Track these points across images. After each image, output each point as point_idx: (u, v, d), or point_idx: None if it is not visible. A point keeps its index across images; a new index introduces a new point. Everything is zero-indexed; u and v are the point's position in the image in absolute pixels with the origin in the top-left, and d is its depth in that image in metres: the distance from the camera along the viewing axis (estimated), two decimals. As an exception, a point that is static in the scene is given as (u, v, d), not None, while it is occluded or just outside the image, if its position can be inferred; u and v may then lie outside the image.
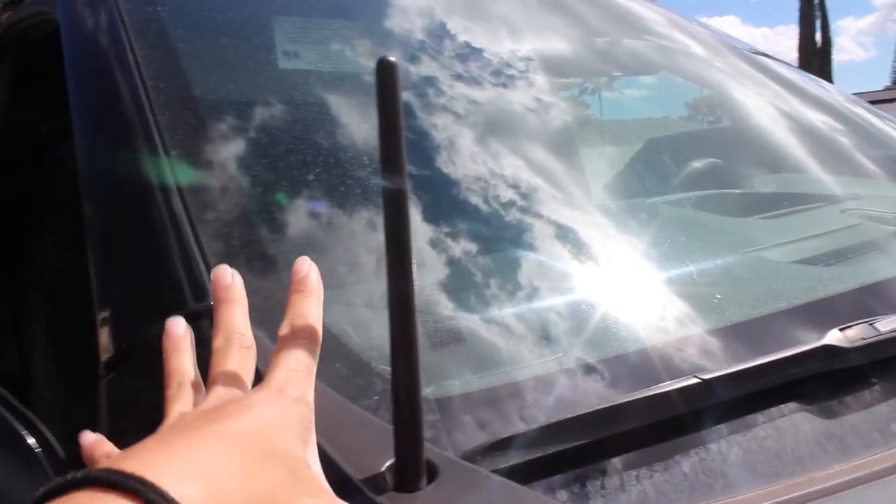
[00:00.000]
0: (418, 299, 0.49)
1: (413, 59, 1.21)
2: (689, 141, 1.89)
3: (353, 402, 0.60)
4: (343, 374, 0.64)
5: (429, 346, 0.70)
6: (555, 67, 1.42)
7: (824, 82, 1.80)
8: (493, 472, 0.56)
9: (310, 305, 0.50)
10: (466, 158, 1.03)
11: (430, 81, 1.17)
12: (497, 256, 0.92)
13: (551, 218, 0.96)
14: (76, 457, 0.60)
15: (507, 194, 0.98)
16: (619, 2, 1.74)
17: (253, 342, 0.50)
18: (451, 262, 0.86)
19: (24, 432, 0.61)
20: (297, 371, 0.46)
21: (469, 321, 0.76)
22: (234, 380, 0.47)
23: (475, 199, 0.96)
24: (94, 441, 0.52)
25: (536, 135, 1.20)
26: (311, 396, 0.46)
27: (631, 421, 0.63)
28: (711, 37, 1.72)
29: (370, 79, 1.16)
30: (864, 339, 0.72)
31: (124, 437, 0.65)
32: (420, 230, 0.87)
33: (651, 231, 1.06)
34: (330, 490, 0.43)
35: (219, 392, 0.46)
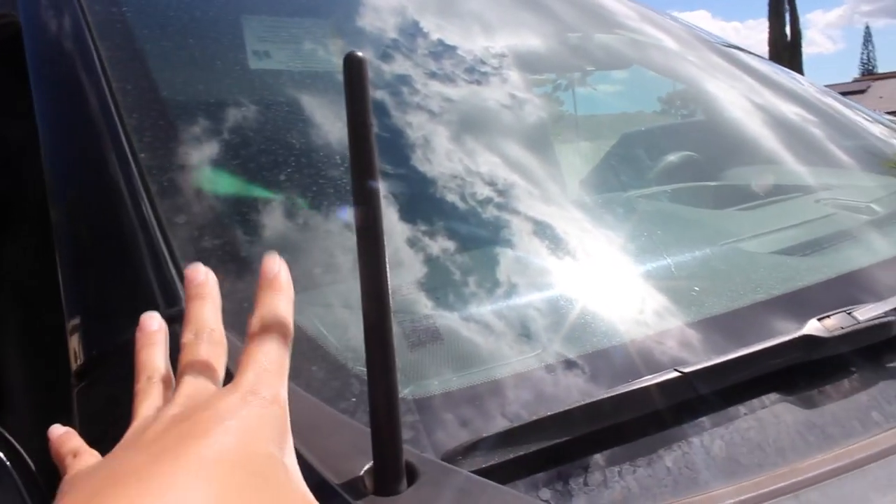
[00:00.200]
0: (394, 299, 0.48)
1: (386, 56, 1.20)
2: (664, 135, 1.90)
3: (329, 404, 0.59)
4: (319, 376, 0.63)
5: (406, 346, 0.69)
6: (527, 63, 1.42)
7: (796, 74, 1.81)
8: (475, 471, 0.55)
9: (280, 302, 0.48)
10: (441, 156, 1.02)
11: (403, 79, 1.16)
12: (474, 254, 0.91)
13: (528, 214, 0.96)
14: (48, 469, 0.58)
15: (484, 191, 0.98)
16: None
17: (224, 338, 0.49)
18: (428, 261, 0.85)
19: (-9, 445, 0.60)
20: (269, 371, 0.44)
21: (447, 319, 0.75)
22: (203, 373, 0.46)
23: (451, 197, 0.95)
24: (61, 434, 0.51)
25: (511, 131, 1.20)
26: (284, 395, 0.45)
27: (613, 416, 0.63)
28: (683, 30, 1.72)
29: (342, 77, 1.15)
30: (843, 328, 0.72)
31: (98, 447, 0.63)
32: (395, 229, 0.86)
33: (628, 225, 1.06)
34: (311, 497, 0.42)
35: (188, 388, 0.44)
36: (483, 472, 0.56)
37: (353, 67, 0.46)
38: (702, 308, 0.80)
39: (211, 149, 0.89)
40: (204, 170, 0.85)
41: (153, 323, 0.52)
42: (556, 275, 0.88)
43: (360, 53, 0.45)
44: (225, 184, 0.86)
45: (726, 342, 0.72)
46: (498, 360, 0.71)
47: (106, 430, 0.65)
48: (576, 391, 0.67)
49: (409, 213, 0.90)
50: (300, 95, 1.07)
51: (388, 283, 0.48)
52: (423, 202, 0.95)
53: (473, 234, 0.94)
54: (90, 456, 0.48)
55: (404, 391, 0.61)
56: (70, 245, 0.79)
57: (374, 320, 0.48)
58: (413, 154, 1.01)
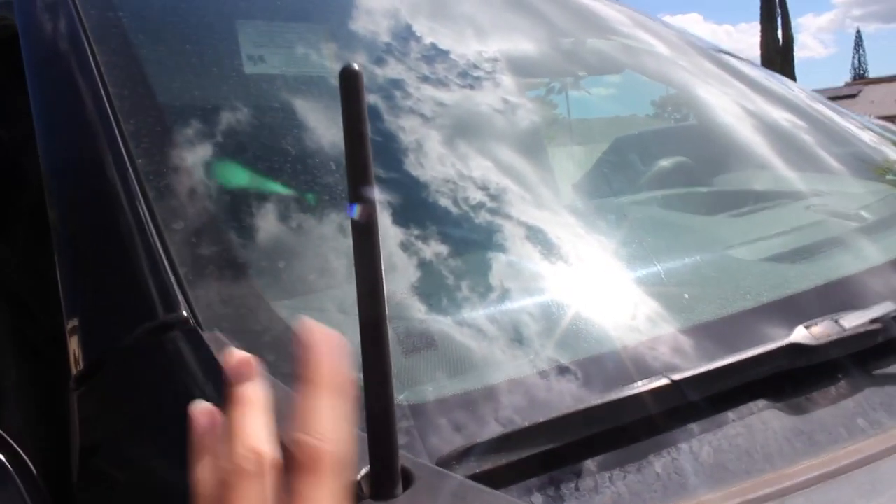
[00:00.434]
0: (389, 304, 0.49)
1: (379, 61, 1.21)
2: (656, 139, 1.91)
3: (326, 410, 0.60)
4: (316, 382, 0.63)
5: (401, 352, 0.70)
6: (520, 68, 1.43)
7: (787, 80, 1.82)
8: (469, 476, 0.56)
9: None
10: (435, 161, 1.03)
11: (396, 84, 1.17)
12: (468, 259, 0.92)
13: (521, 219, 0.97)
14: (49, 473, 0.59)
15: (478, 196, 0.99)
16: (582, 2, 1.75)
17: (271, 463, 0.42)
18: (422, 266, 0.86)
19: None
20: None
21: (441, 325, 0.76)
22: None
23: (445, 202, 0.96)
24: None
25: (505, 136, 1.21)
26: None
27: (604, 422, 0.64)
28: (675, 36, 1.73)
29: (336, 82, 1.16)
30: (830, 335, 0.73)
31: (97, 453, 0.64)
32: (390, 234, 0.87)
33: (621, 231, 1.07)
34: None
35: None
36: (477, 477, 0.57)
37: (349, 80, 0.46)
38: (692, 315, 0.81)
39: (207, 153, 0.89)
40: (201, 174, 0.86)
41: (204, 419, 0.45)
42: (548, 280, 0.89)
43: (356, 66, 0.46)
44: (221, 188, 0.87)
45: (716, 349, 0.74)
46: (491, 365, 0.72)
47: (104, 436, 0.66)
48: (568, 397, 0.68)
49: (404, 219, 0.90)
50: (295, 100, 1.08)
51: (385, 289, 0.48)
52: (417, 207, 0.96)
53: (468, 239, 0.95)
54: None
55: (399, 397, 0.62)
56: (68, 249, 0.80)
57: (370, 326, 0.49)
58: (407, 159, 1.02)
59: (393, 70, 1.20)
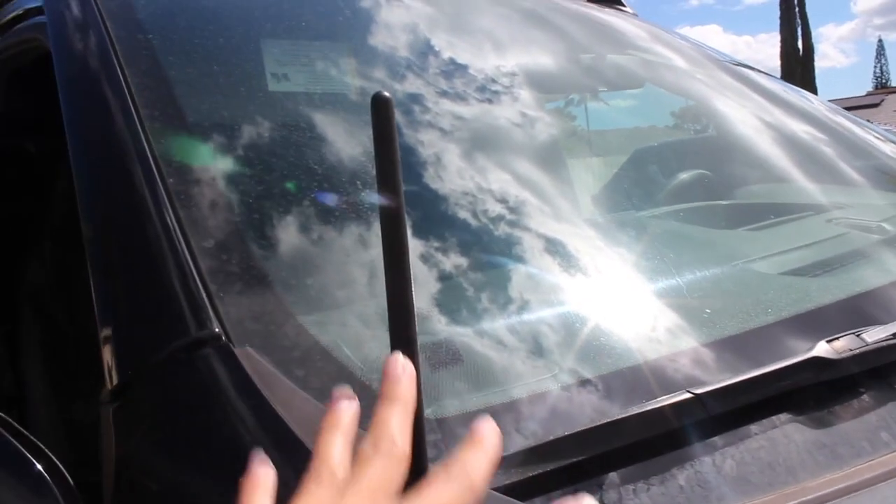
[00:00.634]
0: (417, 320, 0.50)
1: (401, 77, 1.23)
2: (675, 151, 1.91)
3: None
4: (345, 396, 0.65)
5: (428, 367, 0.72)
6: (541, 84, 1.44)
7: (806, 92, 1.82)
8: (494, 489, 0.57)
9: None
10: (456, 175, 1.05)
11: (419, 100, 1.19)
12: (491, 273, 0.93)
13: (542, 233, 0.98)
14: (84, 483, 0.61)
15: (499, 210, 1.00)
16: (602, 17, 1.77)
17: (406, 453, 0.46)
18: (446, 280, 0.87)
19: (31, 458, 0.62)
20: None
21: (465, 339, 0.77)
22: (370, 494, 0.44)
23: (468, 216, 0.98)
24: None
25: (525, 149, 1.22)
26: None
27: (627, 436, 0.64)
28: (693, 50, 1.74)
29: (357, 98, 1.18)
30: (852, 349, 0.73)
31: (131, 466, 0.66)
32: (416, 249, 0.88)
33: (641, 245, 1.08)
34: None
35: None
36: (502, 490, 0.58)
37: (380, 106, 0.48)
38: (713, 329, 0.81)
39: (236, 171, 0.91)
40: (229, 191, 0.87)
41: (345, 403, 0.48)
42: (570, 294, 0.90)
43: (386, 94, 0.48)
44: (250, 205, 0.89)
45: (737, 363, 0.74)
46: (515, 379, 0.73)
47: (139, 449, 0.67)
48: (591, 410, 0.68)
49: (430, 234, 0.92)
50: (320, 117, 1.09)
51: (414, 306, 0.50)
52: (443, 222, 0.97)
53: (493, 253, 0.96)
54: None
55: (427, 410, 0.63)
56: (102, 265, 0.82)
57: (401, 342, 0.50)
58: (429, 173, 1.04)
59: (415, 85, 1.22)
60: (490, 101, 1.27)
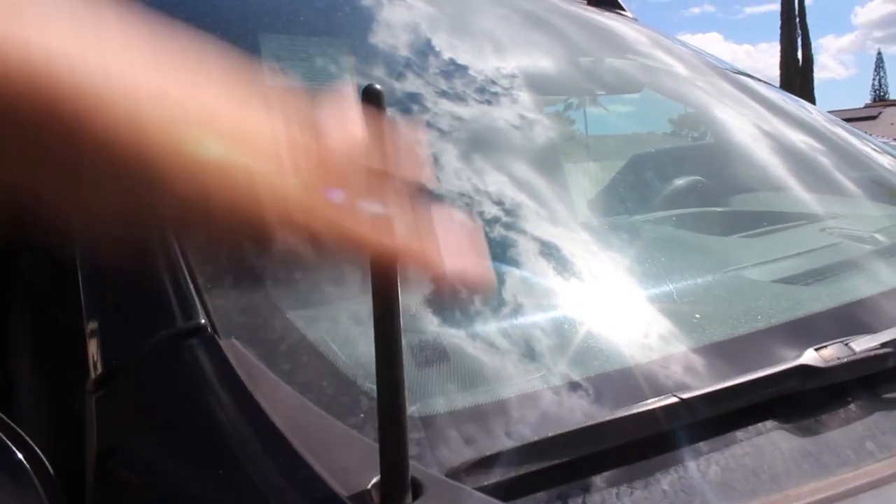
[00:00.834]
0: (404, 317, 0.50)
1: (399, 76, 1.23)
2: (672, 157, 1.91)
3: (339, 420, 0.61)
4: (330, 392, 0.65)
5: (414, 364, 0.71)
6: (539, 86, 1.44)
7: (805, 102, 1.83)
8: (478, 489, 0.57)
9: None
10: (451, 175, 1.04)
11: (416, 98, 1.18)
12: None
13: (538, 236, 0.98)
14: (65, 473, 0.60)
15: (493, 211, 1.00)
16: (602, 21, 1.77)
17: None
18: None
19: (11, 446, 0.62)
20: None
21: (454, 339, 0.77)
22: None
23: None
24: None
25: (522, 152, 1.22)
26: None
27: (613, 439, 0.64)
28: (693, 56, 1.74)
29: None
30: (840, 358, 0.73)
31: (113, 456, 0.65)
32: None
33: (634, 250, 1.08)
34: None
35: None
36: (486, 490, 0.58)
37: (372, 99, 0.48)
38: (703, 334, 0.81)
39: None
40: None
41: None
42: (561, 297, 0.90)
43: (378, 86, 0.48)
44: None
45: (725, 369, 0.74)
46: (503, 379, 0.73)
47: (121, 439, 0.67)
48: (578, 413, 0.68)
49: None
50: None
51: (400, 303, 0.50)
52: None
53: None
54: None
55: (411, 408, 0.63)
56: (91, 255, 0.81)
57: (385, 338, 0.50)
58: (427, 174, 1.03)
59: (412, 85, 1.21)
60: (488, 102, 1.27)
